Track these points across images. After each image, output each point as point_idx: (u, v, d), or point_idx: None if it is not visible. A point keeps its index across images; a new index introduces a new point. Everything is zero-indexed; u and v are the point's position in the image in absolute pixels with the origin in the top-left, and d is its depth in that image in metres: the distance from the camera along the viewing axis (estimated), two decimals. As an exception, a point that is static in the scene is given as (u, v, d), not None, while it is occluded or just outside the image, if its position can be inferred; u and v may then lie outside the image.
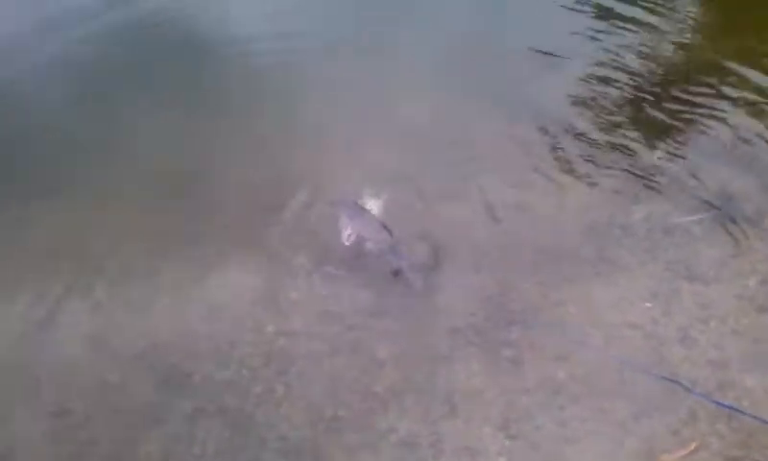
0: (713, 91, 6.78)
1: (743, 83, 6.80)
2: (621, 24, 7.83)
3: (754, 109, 6.50)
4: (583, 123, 6.58)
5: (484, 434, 4.39)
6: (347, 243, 5.59)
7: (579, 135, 6.45)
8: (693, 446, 4.16)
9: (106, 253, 5.62)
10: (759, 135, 6.20)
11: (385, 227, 5.62)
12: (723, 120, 6.42)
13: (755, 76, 6.84)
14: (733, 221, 5.48)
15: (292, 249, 5.58)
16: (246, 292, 5.30)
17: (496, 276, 5.29)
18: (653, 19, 7.88)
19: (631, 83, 7.03)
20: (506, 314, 5.01)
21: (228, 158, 6.48)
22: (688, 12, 8.12)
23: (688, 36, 7.76)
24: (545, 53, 7.39)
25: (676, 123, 6.49)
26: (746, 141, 6.18)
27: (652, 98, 6.79)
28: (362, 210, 5.79)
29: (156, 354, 4.95)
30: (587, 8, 8.20)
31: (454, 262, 5.42)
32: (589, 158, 6.21)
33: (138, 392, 4.76)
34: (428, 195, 6.02)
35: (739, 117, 6.43)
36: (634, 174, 6.00)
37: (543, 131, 6.46)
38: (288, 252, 5.56)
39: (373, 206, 5.86)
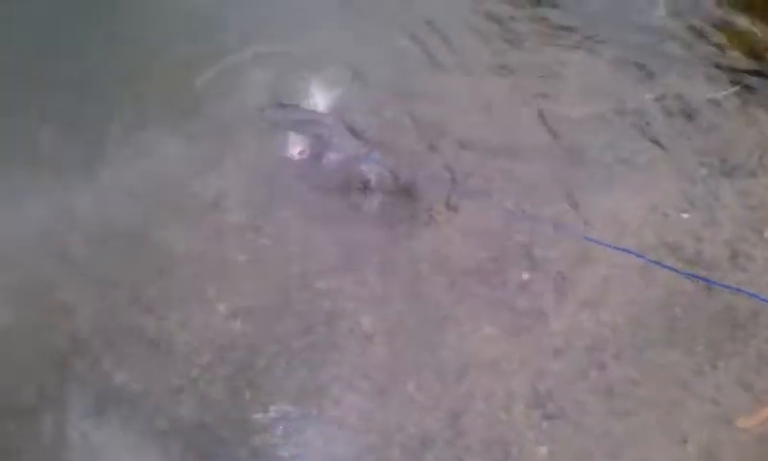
0: None
1: None
2: None
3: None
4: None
5: (514, 418, 3.42)
6: (298, 157, 4.36)
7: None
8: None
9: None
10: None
11: (351, 130, 4.39)
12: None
13: None
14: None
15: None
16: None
17: (495, 200, 4.16)
18: None
19: None
20: (514, 249, 3.95)
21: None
22: None
23: None
24: None
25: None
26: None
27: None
28: (312, 112, 4.52)
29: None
30: None
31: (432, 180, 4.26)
32: (579, 24, 4.94)
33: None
34: (395, 89, 4.77)
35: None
36: (636, 41, 4.80)
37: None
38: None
39: (329, 106, 4.60)
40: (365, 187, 4.24)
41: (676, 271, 3.64)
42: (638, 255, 3.71)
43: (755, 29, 4.80)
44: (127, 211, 4.25)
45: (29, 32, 5.30)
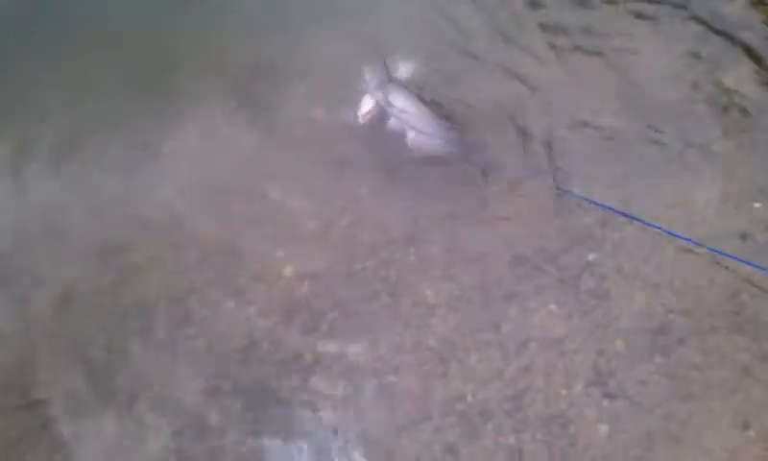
0: None
1: None
2: None
3: None
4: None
5: (575, 395, 3.44)
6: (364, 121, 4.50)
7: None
8: None
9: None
10: None
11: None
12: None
13: None
14: None
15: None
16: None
17: (561, 175, 4.17)
18: None
19: None
20: (580, 230, 3.94)
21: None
22: None
23: None
24: None
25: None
26: None
27: None
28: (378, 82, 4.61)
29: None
30: None
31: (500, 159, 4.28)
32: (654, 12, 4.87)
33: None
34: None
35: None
36: (712, 30, 4.70)
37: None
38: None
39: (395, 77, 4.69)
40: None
41: (734, 258, 3.58)
42: (696, 243, 3.67)
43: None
44: (194, 174, 4.40)
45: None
